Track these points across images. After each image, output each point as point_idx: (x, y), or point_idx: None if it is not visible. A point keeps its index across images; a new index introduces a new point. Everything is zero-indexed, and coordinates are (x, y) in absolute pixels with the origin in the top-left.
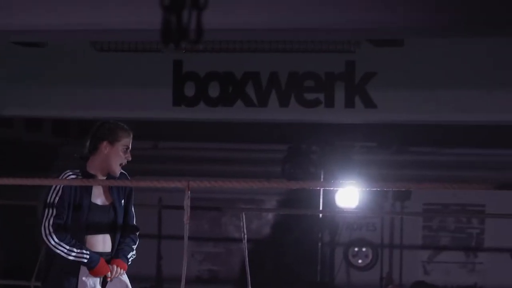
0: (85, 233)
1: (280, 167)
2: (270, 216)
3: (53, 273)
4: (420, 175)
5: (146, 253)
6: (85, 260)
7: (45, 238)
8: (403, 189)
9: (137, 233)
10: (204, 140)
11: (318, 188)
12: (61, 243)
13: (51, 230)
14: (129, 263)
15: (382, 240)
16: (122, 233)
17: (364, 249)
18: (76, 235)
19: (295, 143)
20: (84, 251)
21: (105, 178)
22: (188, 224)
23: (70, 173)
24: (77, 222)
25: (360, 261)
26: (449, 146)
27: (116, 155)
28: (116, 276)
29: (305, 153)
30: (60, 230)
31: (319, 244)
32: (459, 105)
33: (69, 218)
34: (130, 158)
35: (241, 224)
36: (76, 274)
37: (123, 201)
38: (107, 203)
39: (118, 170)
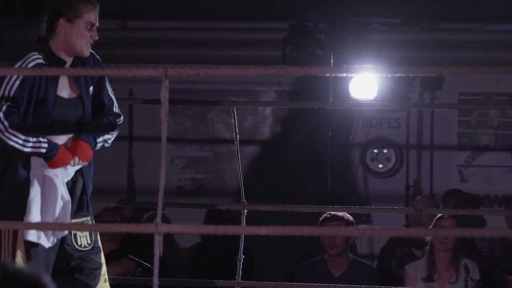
0: (47, 132)
1: (279, 50)
2: (268, 111)
3: None
4: (454, 58)
5: (114, 159)
6: (43, 150)
7: None
8: (434, 75)
9: (118, 121)
10: (184, 18)
11: (327, 75)
12: (15, 132)
13: (2, 117)
14: (97, 147)
15: (408, 139)
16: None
17: (385, 151)
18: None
19: (298, 20)
20: (41, 139)
21: (71, 60)
22: (167, 122)
23: (37, 56)
24: (38, 119)
25: (380, 165)
26: (490, 21)
27: (79, 35)
28: (74, 165)
29: (310, 32)
30: (13, 118)
31: (330, 145)
32: None
33: (30, 114)
34: (96, 37)
35: (232, 121)
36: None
37: (91, 88)
38: (74, 95)
39: (86, 50)
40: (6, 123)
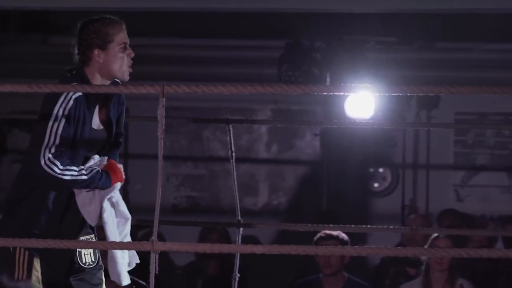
0: (83, 163)
1: (275, 68)
2: (263, 129)
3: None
4: (451, 77)
5: None
6: (98, 176)
7: (45, 169)
8: (430, 94)
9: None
10: (181, 36)
11: (323, 93)
12: (68, 167)
13: (51, 158)
14: None
15: (404, 158)
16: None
17: (381, 170)
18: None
19: (294, 38)
20: (89, 168)
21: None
22: (163, 140)
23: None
24: (76, 151)
25: (376, 184)
26: (487, 40)
27: (116, 59)
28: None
29: (306, 50)
30: (62, 157)
31: (325, 163)
32: None
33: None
34: (132, 55)
35: (228, 139)
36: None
37: (116, 117)
38: (101, 126)
39: (126, 74)
40: (57, 163)
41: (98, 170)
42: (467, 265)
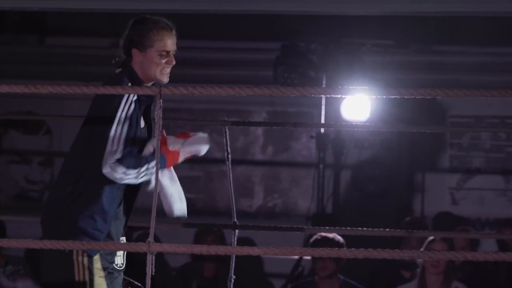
0: None
1: (271, 70)
2: (259, 131)
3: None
4: (447, 80)
5: None
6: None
7: (108, 175)
8: (427, 97)
9: None
10: (178, 37)
11: (319, 96)
12: (127, 171)
13: (115, 164)
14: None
15: (399, 161)
16: None
17: (376, 172)
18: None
19: (290, 40)
20: (145, 169)
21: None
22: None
23: (128, 81)
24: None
25: (372, 187)
26: (483, 43)
27: (152, 64)
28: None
29: (302, 52)
30: (127, 158)
31: (321, 166)
32: None
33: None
34: (172, 63)
35: (224, 141)
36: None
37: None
38: (144, 125)
39: (164, 77)
40: (119, 169)
41: (153, 168)
42: (463, 268)
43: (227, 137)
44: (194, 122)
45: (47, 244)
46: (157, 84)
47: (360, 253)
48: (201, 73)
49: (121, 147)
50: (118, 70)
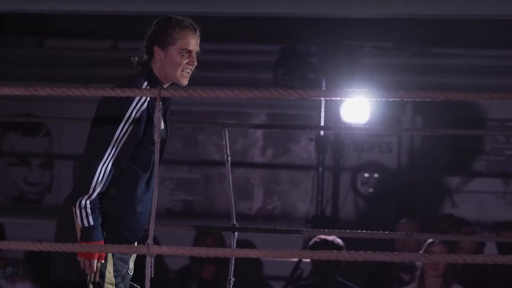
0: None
1: (271, 73)
2: (258, 133)
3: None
4: (445, 83)
5: None
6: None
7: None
8: (426, 100)
9: None
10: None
11: (318, 98)
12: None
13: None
14: None
15: (399, 163)
16: None
17: (376, 175)
18: (152, 169)
19: (290, 43)
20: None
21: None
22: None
23: (147, 84)
24: (149, 153)
25: (371, 189)
26: (483, 46)
27: (172, 62)
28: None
29: (302, 55)
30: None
31: (320, 169)
32: None
33: (152, 147)
34: (194, 64)
35: (224, 143)
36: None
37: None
38: (162, 126)
39: (182, 78)
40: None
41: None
42: (462, 270)
43: (227, 139)
44: (193, 125)
45: (46, 247)
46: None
47: (360, 256)
48: (200, 75)
49: (117, 153)
50: (136, 71)
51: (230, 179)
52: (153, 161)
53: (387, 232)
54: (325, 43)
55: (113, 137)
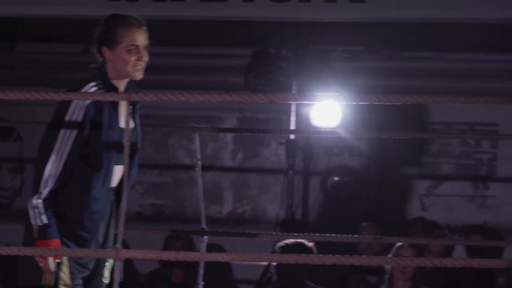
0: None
1: (242, 77)
2: (229, 137)
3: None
4: (416, 86)
5: None
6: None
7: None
8: (396, 104)
9: None
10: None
11: (289, 102)
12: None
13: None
14: None
15: (369, 167)
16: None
17: (346, 179)
18: (108, 167)
19: (261, 47)
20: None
21: (125, 83)
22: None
23: (94, 88)
24: (109, 152)
25: (341, 193)
26: (453, 50)
27: (121, 60)
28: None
29: (273, 59)
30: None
31: (290, 172)
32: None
33: (101, 144)
34: (144, 58)
35: (194, 147)
36: None
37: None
38: (132, 125)
39: (137, 73)
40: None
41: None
42: (431, 274)
43: (197, 143)
44: (164, 129)
45: (15, 251)
46: (130, 86)
47: (328, 259)
48: (171, 79)
49: (64, 158)
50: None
51: (200, 183)
52: (109, 159)
53: (356, 235)
54: (296, 47)
55: (57, 139)
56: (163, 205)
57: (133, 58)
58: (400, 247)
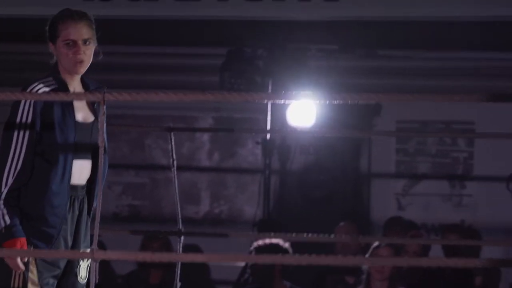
0: (71, 158)
1: (217, 76)
2: (205, 137)
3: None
4: (392, 85)
5: None
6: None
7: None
8: (371, 102)
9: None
10: (121, 43)
11: (264, 101)
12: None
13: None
14: None
15: (345, 166)
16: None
17: (322, 178)
18: (65, 160)
19: (236, 46)
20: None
21: (78, 79)
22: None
23: (41, 85)
24: (64, 146)
25: (317, 192)
26: (428, 48)
27: (62, 56)
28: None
29: (248, 58)
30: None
31: (267, 172)
32: None
33: (55, 139)
34: (78, 55)
35: (170, 147)
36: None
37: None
38: (90, 119)
39: (76, 68)
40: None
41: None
42: (408, 273)
43: (173, 143)
44: (139, 129)
45: None
46: (89, 81)
47: (304, 259)
48: (146, 79)
49: (21, 160)
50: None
51: (176, 183)
52: (65, 153)
53: (333, 235)
54: (271, 46)
55: (12, 139)
56: (140, 205)
57: (70, 53)
58: (377, 247)
